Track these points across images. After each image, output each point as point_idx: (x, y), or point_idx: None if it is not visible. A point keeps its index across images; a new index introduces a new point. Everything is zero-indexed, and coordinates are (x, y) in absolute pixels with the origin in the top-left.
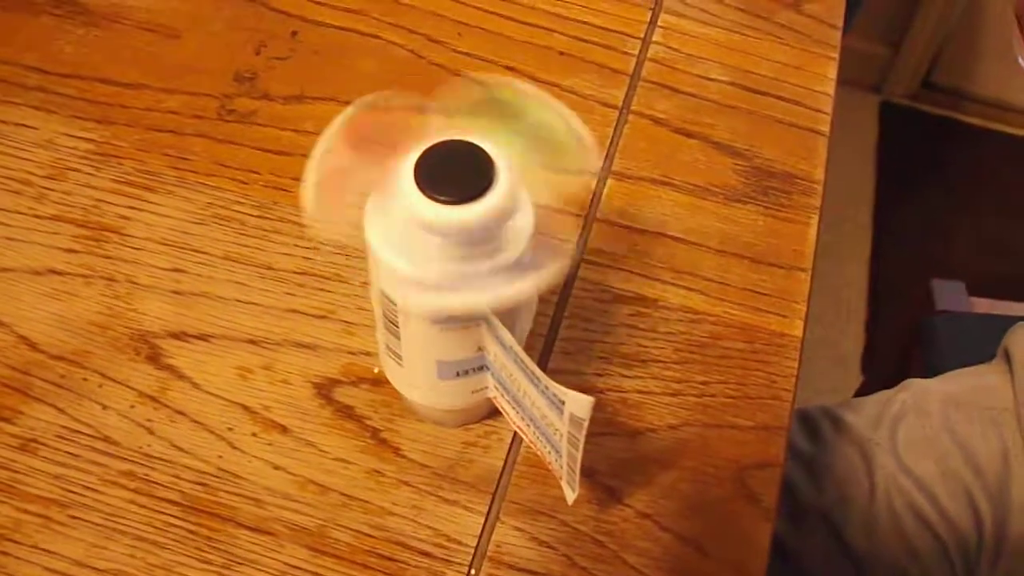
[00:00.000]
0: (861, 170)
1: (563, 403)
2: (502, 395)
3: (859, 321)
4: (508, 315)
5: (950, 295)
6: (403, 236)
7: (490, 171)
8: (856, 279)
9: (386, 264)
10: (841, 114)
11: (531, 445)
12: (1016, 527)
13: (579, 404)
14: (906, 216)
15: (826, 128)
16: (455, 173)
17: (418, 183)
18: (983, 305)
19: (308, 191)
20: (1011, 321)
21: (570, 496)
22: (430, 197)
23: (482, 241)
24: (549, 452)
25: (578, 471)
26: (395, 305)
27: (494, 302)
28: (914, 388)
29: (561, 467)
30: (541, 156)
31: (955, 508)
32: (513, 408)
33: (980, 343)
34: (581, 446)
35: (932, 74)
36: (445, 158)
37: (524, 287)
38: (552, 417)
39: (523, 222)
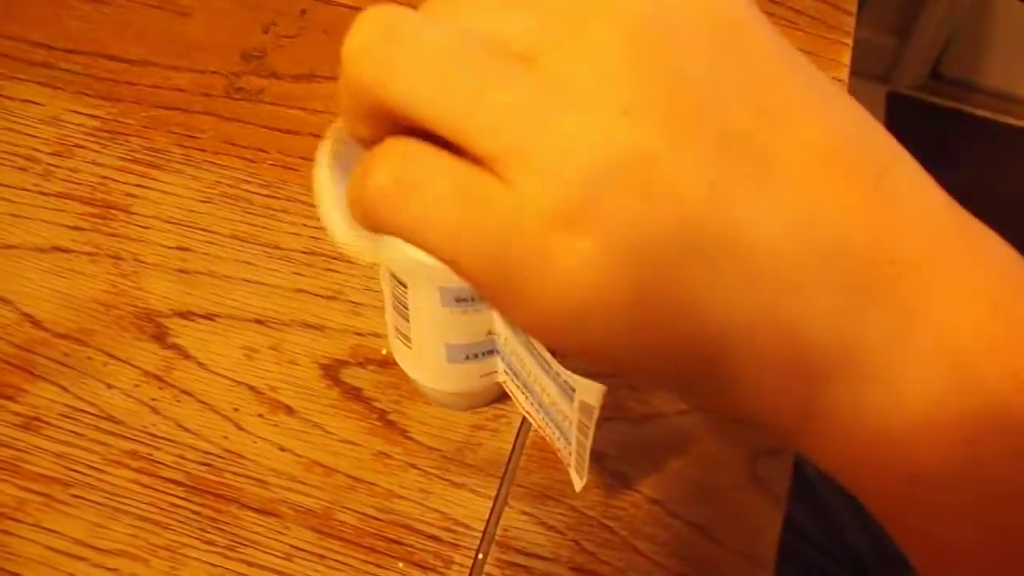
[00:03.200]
0: None
1: (574, 390)
2: (512, 379)
3: None
4: None
5: None
6: None
7: None
8: None
9: (396, 245)
10: None
11: (540, 430)
12: None
13: (590, 391)
14: None
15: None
16: None
17: None
18: None
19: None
20: None
21: (578, 483)
22: None
23: None
24: (558, 438)
25: (587, 459)
26: (405, 287)
27: None
28: None
29: (570, 454)
30: None
31: None
32: (522, 393)
33: None
34: (591, 434)
35: (940, 65)
36: None
37: None
38: (562, 403)
39: None
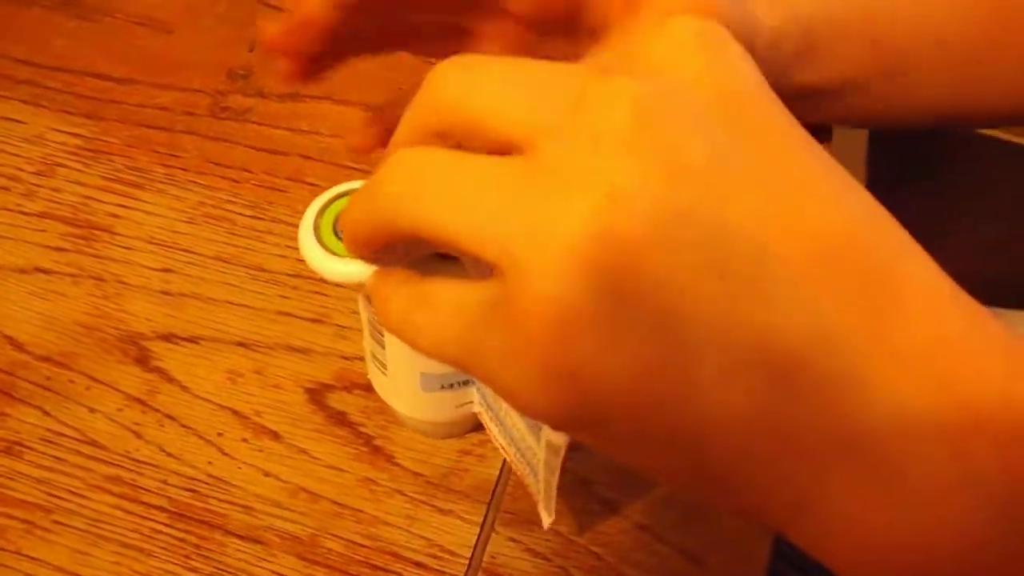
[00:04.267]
0: (851, 172)
1: (540, 428)
2: (486, 411)
3: None
4: None
5: None
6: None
7: None
8: None
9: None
10: None
11: (512, 464)
12: None
13: (557, 431)
14: (897, 215)
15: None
16: None
17: None
18: None
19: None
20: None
21: (546, 521)
22: None
23: None
24: (528, 474)
25: (554, 496)
26: None
27: None
28: None
29: (538, 491)
30: None
31: None
32: (496, 425)
33: None
34: (557, 472)
35: None
36: None
37: None
38: (530, 440)
39: None
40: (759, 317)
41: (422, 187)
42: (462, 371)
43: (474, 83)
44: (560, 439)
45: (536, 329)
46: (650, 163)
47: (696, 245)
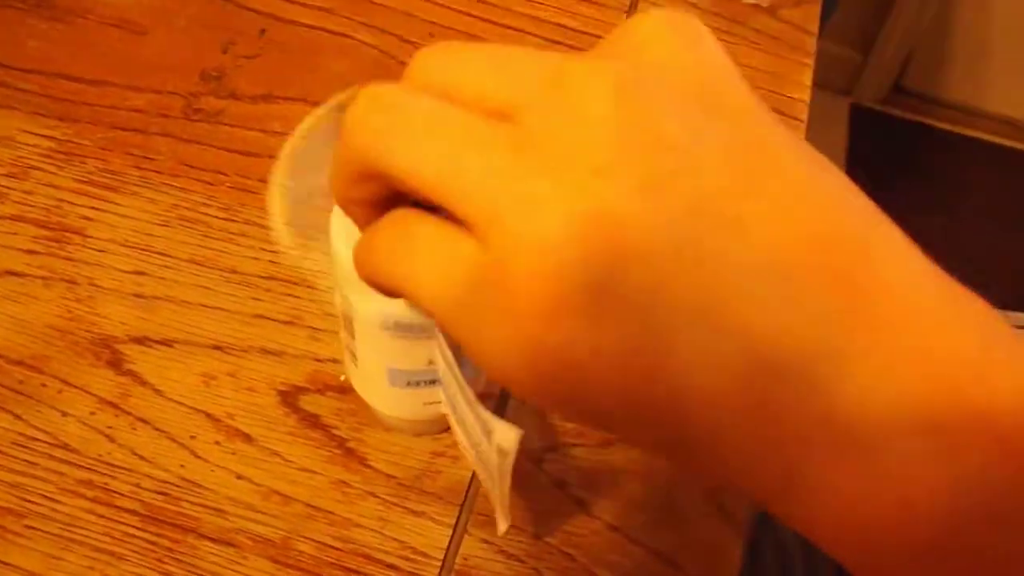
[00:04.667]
0: None
1: (491, 432)
2: (451, 412)
3: None
4: None
5: None
6: None
7: None
8: None
9: (345, 265)
10: (812, 116)
11: (473, 467)
12: None
13: (506, 436)
14: None
15: (801, 134)
16: None
17: None
18: None
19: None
20: None
21: (501, 527)
22: None
23: None
24: (486, 478)
25: (507, 503)
26: (351, 306)
27: None
28: None
29: (495, 497)
30: None
31: None
32: (459, 426)
33: None
34: (508, 479)
35: (903, 79)
36: None
37: None
38: (484, 444)
39: None
40: (733, 301)
41: (408, 126)
42: (443, 328)
43: (457, 61)
44: (510, 444)
45: (525, 301)
46: (631, 138)
47: (674, 220)
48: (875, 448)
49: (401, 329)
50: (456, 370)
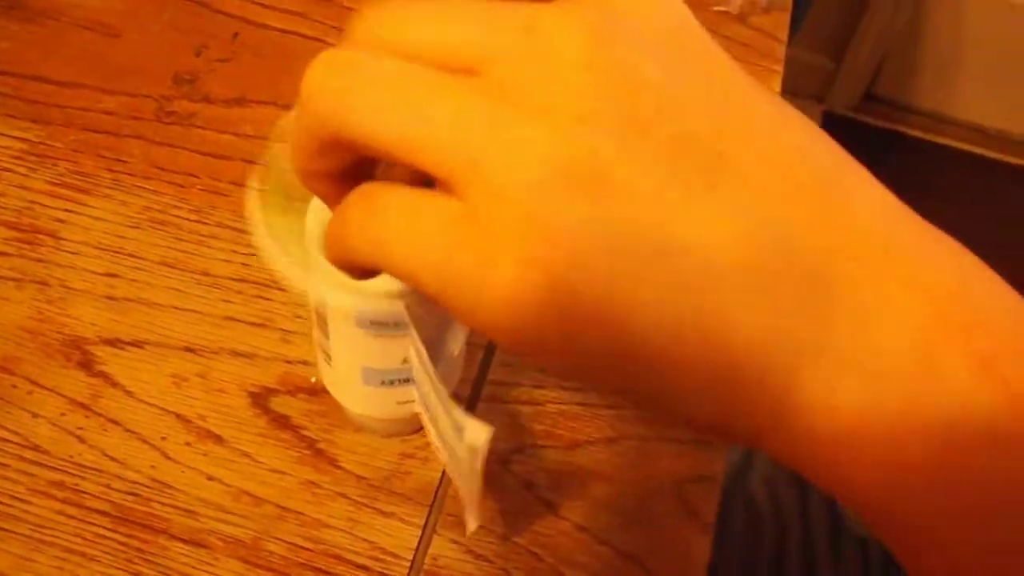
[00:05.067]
0: None
1: (463, 430)
2: (424, 411)
3: None
4: (438, 331)
5: None
6: None
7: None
8: None
9: (321, 264)
10: None
11: (446, 466)
12: None
13: (477, 433)
14: None
15: None
16: None
17: None
18: None
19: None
20: None
21: (470, 526)
22: None
23: None
24: (457, 476)
25: (477, 502)
26: (325, 305)
27: (414, 307)
28: None
29: (465, 495)
30: None
31: None
32: (432, 425)
33: None
34: (479, 476)
35: (874, 86)
36: None
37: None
38: (455, 442)
39: None
40: (719, 223)
41: (369, 84)
42: (424, 290)
43: (409, 18)
44: (480, 441)
45: (510, 248)
46: (610, 82)
47: (659, 159)
48: (864, 360)
49: (376, 326)
50: (430, 367)
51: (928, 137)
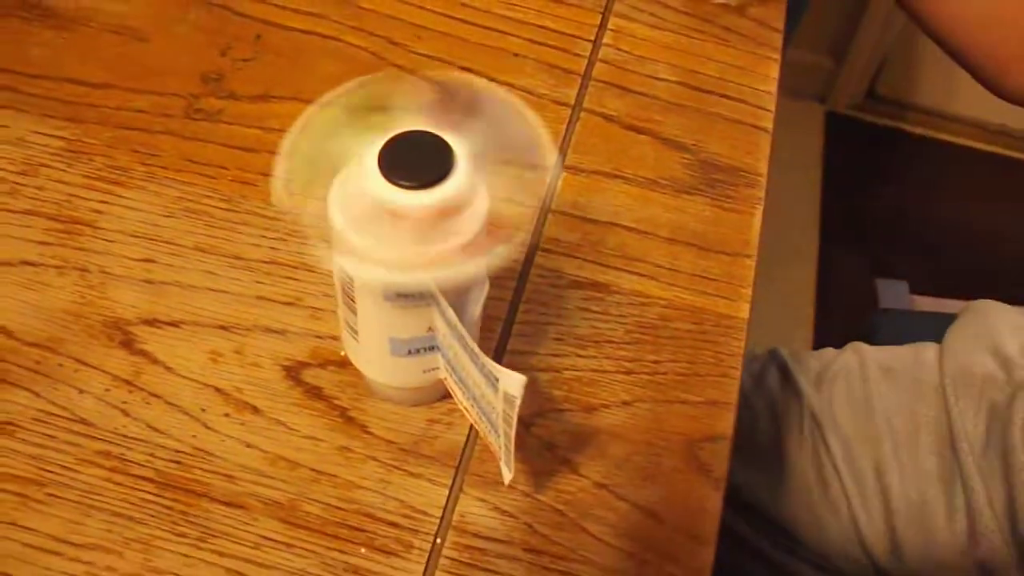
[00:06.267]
0: (808, 178)
1: (497, 380)
2: (450, 375)
3: (807, 324)
4: (457, 297)
5: (893, 294)
6: (364, 216)
7: (449, 159)
8: (802, 281)
9: (346, 241)
10: (787, 124)
11: (476, 425)
12: (911, 480)
13: (512, 382)
14: (851, 221)
15: (769, 124)
16: (416, 160)
17: (381, 168)
18: (926, 303)
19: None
20: (952, 318)
21: (506, 476)
22: (392, 182)
23: (437, 225)
24: (489, 432)
25: (512, 451)
26: (352, 280)
27: (441, 279)
28: (858, 351)
29: (500, 447)
30: (499, 152)
31: (863, 455)
32: (459, 388)
33: (921, 339)
34: (514, 425)
35: (876, 85)
36: (408, 146)
37: (468, 268)
38: (489, 395)
39: (478, 209)
40: None
41: None
42: None
43: None
44: (516, 389)
45: None
46: None
47: None
48: None
49: (403, 298)
50: (460, 328)
51: (931, 134)
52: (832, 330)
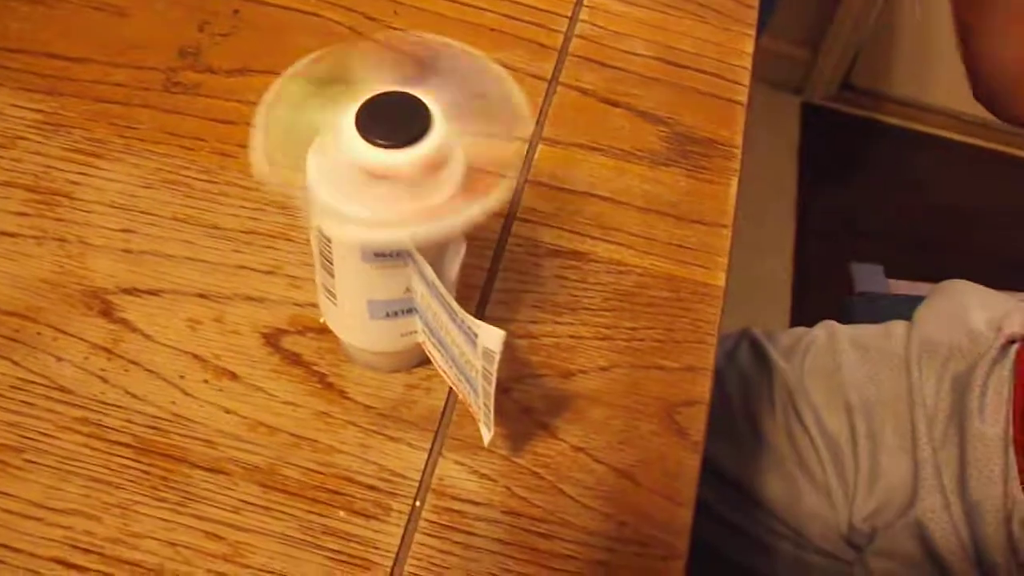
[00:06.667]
0: (784, 168)
1: (476, 336)
2: (428, 338)
3: (784, 310)
4: (434, 256)
5: (869, 277)
6: (341, 176)
7: (427, 119)
8: (779, 272)
9: (323, 201)
10: (764, 115)
11: (454, 387)
12: (879, 448)
13: (491, 337)
14: (828, 212)
15: (743, 98)
16: (393, 120)
17: (359, 128)
18: (901, 287)
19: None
20: None
21: (486, 436)
22: (370, 141)
23: (415, 183)
24: (469, 392)
25: (492, 410)
26: (329, 242)
27: (417, 236)
28: (829, 327)
29: (479, 407)
30: (477, 122)
31: (834, 423)
32: (438, 350)
33: (896, 319)
34: (493, 382)
35: (851, 76)
36: (385, 107)
37: (444, 225)
38: (468, 353)
39: (454, 169)
40: None
41: None
42: None
43: None
44: (495, 344)
45: None
46: None
47: None
48: None
49: (381, 259)
50: (438, 284)
51: (905, 124)
52: (808, 318)
